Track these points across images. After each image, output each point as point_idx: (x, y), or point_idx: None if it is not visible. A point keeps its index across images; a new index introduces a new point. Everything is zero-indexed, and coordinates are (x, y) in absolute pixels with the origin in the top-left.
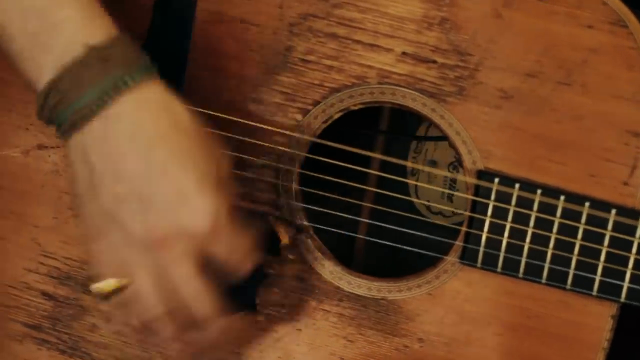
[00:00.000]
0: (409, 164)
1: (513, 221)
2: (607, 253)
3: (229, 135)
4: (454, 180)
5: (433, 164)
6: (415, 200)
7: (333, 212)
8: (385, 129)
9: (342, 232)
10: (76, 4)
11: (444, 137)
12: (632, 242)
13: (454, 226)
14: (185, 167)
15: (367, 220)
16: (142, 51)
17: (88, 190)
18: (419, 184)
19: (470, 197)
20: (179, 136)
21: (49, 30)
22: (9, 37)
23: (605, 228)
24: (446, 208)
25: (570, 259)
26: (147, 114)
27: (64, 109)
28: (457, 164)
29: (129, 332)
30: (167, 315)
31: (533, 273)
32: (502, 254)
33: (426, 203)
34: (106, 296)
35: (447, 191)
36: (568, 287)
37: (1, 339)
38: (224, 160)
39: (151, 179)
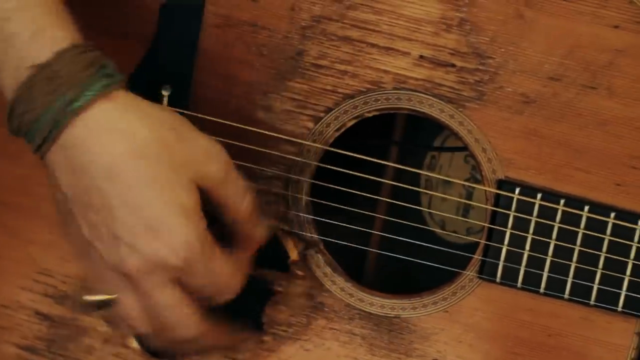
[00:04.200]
0: (424, 173)
1: (535, 233)
2: (634, 266)
3: (237, 143)
4: (470, 196)
5: (447, 183)
6: (428, 218)
7: (344, 225)
8: (398, 140)
9: (354, 245)
10: (25, 16)
11: (460, 148)
12: None
13: (471, 238)
14: (148, 197)
15: (379, 233)
16: (99, 57)
17: (68, 212)
18: (434, 194)
19: (490, 207)
20: (137, 162)
21: (1, 46)
22: None
23: (631, 240)
24: (461, 234)
25: (595, 272)
26: (101, 140)
27: (25, 132)
28: (472, 180)
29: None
30: (154, 334)
31: (555, 288)
32: (522, 268)
33: (440, 219)
34: (97, 307)
35: (463, 201)
36: (592, 302)
37: None
38: (211, 162)
39: (113, 212)
